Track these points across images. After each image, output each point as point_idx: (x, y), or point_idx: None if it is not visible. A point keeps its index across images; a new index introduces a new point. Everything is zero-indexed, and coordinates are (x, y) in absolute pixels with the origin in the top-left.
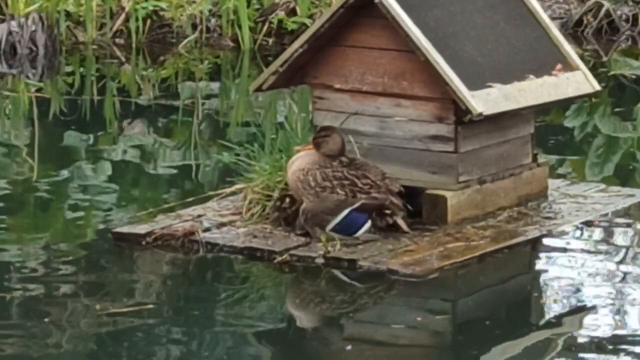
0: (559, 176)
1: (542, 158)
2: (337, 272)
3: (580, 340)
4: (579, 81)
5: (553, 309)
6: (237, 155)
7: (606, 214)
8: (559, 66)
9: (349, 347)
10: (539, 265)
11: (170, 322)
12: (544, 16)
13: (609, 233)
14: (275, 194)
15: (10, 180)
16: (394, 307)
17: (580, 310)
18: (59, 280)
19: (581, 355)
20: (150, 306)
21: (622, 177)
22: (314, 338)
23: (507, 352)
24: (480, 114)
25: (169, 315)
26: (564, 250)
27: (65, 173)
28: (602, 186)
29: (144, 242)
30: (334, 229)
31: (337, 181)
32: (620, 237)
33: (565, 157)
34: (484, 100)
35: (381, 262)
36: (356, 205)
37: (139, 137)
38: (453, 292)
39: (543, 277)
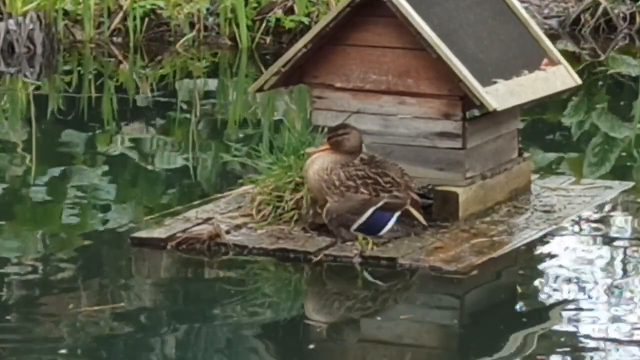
0: (557, 173)
1: (527, 153)
2: (377, 271)
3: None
4: (563, 75)
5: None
6: (236, 156)
7: (602, 205)
8: (545, 61)
9: (311, 346)
10: (570, 257)
11: (222, 323)
12: (523, 12)
13: (615, 224)
14: (287, 195)
15: (8, 179)
16: (461, 304)
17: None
18: (62, 282)
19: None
20: (204, 310)
21: (619, 174)
22: (366, 339)
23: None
24: (495, 110)
25: (223, 319)
26: (583, 241)
27: (63, 171)
28: (574, 179)
29: (168, 247)
30: (358, 229)
31: (360, 180)
32: (629, 227)
33: (563, 154)
34: (495, 96)
35: (421, 260)
36: (380, 204)
37: (137, 136)
38: (503, 287)
39: (578, 270)
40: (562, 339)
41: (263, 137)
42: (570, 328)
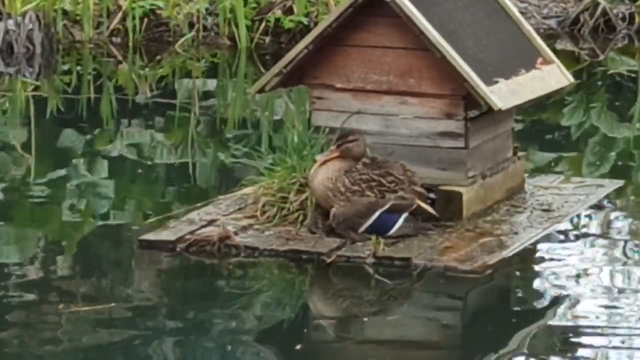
0: (547, 172)
1: (521, 152)
2: (392, 271)
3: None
4: (557, 74)
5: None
6: (236, 157)
7: (599, 204)
8: (540, 60)
9: (298, 347)
10: (577, 256)
11: (259, 324)
12: (516, 11)
13: (617, 220)
14: (291, 196)
15: (7, 180)
16: (481, 302)
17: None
18: (63, 282)
19: None
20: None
21: (618, 174)
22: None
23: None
24: (500, 109)
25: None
26: (589, 239)
27: (62, 172)
28: (562, 177)
29: (178, 249)
30: (366, 231)
31: (365, 184)
32: (629, 226)
33: (562, 154)
34: (499, 95)
35: (434, 260)
36: (386, 207)
37: (136, 136)
38: (517, 286)
39: (585, 269)
40: (574, 338)
41: (262, 138)
42: (581, 327)
